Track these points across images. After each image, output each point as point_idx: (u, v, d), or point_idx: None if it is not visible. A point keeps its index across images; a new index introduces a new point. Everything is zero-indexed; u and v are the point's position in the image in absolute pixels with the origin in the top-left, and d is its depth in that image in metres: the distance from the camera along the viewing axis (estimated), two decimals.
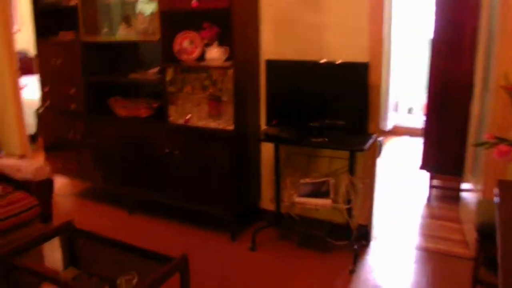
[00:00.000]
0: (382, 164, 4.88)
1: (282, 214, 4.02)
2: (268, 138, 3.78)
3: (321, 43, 3.75)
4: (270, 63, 3.77)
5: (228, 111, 3.92)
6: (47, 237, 3.32)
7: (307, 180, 3.81)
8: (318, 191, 3.74)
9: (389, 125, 7.34)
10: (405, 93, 7.92)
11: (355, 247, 3.60)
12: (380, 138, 4.71)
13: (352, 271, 3.52)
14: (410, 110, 7.96)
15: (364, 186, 3.74)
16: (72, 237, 3.36)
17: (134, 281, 2.70)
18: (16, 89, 5.67)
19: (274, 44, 3.97)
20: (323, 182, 3.74)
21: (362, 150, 3.40)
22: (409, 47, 7.56)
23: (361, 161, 3.74)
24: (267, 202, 4.28)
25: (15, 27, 7.97)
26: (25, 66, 7.53)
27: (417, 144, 6.68)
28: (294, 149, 3.85)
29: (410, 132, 7.48)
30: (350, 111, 3.53)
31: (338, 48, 3.68)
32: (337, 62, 3.52)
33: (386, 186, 5.13)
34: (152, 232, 4.28)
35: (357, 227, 3.76)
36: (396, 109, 7.81)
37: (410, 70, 7.73)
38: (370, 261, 3.71)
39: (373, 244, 3.93)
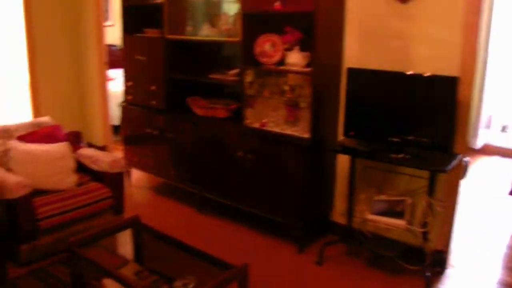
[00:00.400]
0: (467, 186, 4.56)
1: (353, 230, 3.84)
2: (345, 150, 3.61)
3: (407, 54, 3.53)
4: (352, 72, 3.60)
5: (305, 118, 3.80)
6: (113, 230, 3.38)
7: (382, 197, 3.61)
8: (392, 210, 3.53)
9: (478, 143, 6.88)
10: (500, 109, 7.38)
11: (428, 273, 3.36)
12: (466, 159, 4.39)
13: None
14: (504, 128, 7.40)
15: (444, 209, 3.48)
16: (137, 232, 3.39)
17: (191, 286, 2.65)
18: (103, 82, 5.90)
19: (357, 52, 3.80)
20: (399, 201, 3.52)
21: (444, 171, 3.16)
22: (509, 58, 7.02)
23: (442, 182, 3.48)
24: (338, 215, 4.12)
25: (109, 22, 8.28)
26: (116, 60, 7.79)
27: (509, 167, 6.22)
28: (371, 163, 3.66)
29: (502, 152, 6.94)
30: (434, 127, 3.29)
31: (426, 60, 3.45)
32: (424, 75, 3.29)
33: (469, 211, 4.78)
34: (218, 233, 4.26)
35: (432, 252, 3.51)
36: (488, 126, 7.30)
37: (507, 83, 7.19)
38: None
39: (448, 273, 3.65)
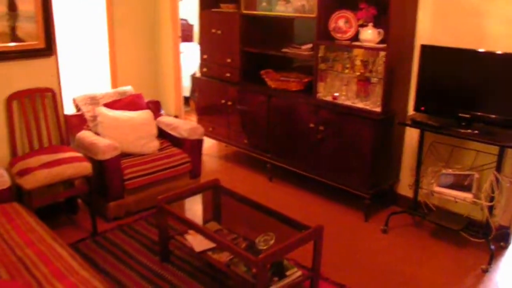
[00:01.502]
0: None
1: (418, 202, 3.99)
2: (415, 123, 3.73)
3: (480, 31, 3.60)
4: (425, 48, 3.70)
5: (376, 92, 3.94)
6: (196, 191, 3.66)
7: (450, 171, 3.72)
8: (459, 184, 3.64)
9: None
10: None
11: (492, 247, 3.48)
12: None
13: (485, 271, 3.42)
14: None
15: (511, 186, 3.57)
16: (217, 194, 3.66)
17: (272, 241, 2.88)
18: (177, 55, 6.17)
19: (430, 28, 3.88)
20: (467, 176, 3.63)
21: None
22: None
23: (511, 158, 3.56)
24: (404, 187, 4.26)
25: None
26: (185, 34, 8.08)
27: None
28: (439, 138, 3.77)
29: None
30: (505, 104, 3.37)
31: (500, 38, 3.50)
32: (497, 52, 3.36)
33: None
34: (289, 200, 4.48)
35: (497, 227, 3.61)
36: None
37: None
38: (506, 264, 3.56)
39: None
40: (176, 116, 6.38)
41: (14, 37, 3.72)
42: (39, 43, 3.85)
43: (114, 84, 6.04)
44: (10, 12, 3.67)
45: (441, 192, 3.70)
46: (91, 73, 6.22)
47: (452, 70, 3.60)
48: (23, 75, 3.82)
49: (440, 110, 3.67)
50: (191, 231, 3.30)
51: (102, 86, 5.99)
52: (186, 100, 7.30)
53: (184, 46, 7.83)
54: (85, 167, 3.67)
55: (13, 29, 3.71)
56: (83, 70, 6.20)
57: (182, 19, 8.48)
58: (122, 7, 5.87)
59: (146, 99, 4.73)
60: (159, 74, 6.48)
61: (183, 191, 3.55)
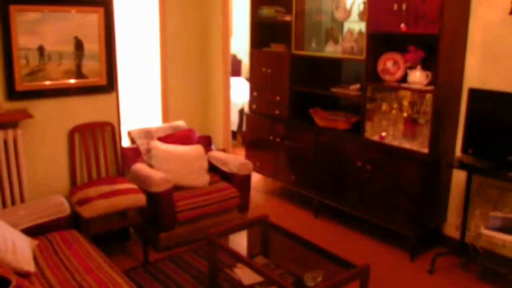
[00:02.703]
0: None
1: (465, 244, 3.98)
2: (463, 166, 3.77)
3: None
4: (474, 92, 3.76)
5: (424, 133, 4.00)
6: (245, 226, 3.77)
7: (498, 213, 3.72)
8: (508, 227, 3.63)
9: None
10: None
11: None
12: None
13: None
14: None
15: None
16: (265, 229, 3.76)
17: (319, 278, 2.96)
18: (227, 90, 6.38)
19: (478, 72, 3.94)
20: None
21: None
22: None
23: None
24: (450, 228, 4.26)
25: (230, 32, 8.82)
26: (233, 69, 8.31)
27: None
28: (487, 180, 3.79)
29: None
30: None
31: None
32: None
33: None
34: (334, 237, 4.53)
35: None
36: None
37: None
38: None
39: None
40: (223, 150, 6.56)
41: (79, 74, 3.98)
42: (101, 80, 4.10)
43: (166, 118, 6.28)
44: (77, 51, 3.94)
45: (489, 235, 3.69)
46: (143, 107, 6.50)
47: (501, 113, 3.63)
48: (85, 109, 4.07)
49: (488, 153, 3.70)
50: (239, 265, 3.41)
51: (154, 119, 6.25)
52: (233, 134, 7.48)
53: (232, 81, 8.07)
54: (141, 199, 3.85)
55: (79, 66, 3.97)
56: (136, 104, 6.49)
57: (231, 54, 8.77)
58: (175, 42, 6.15)
59: (197, 134, 4.91)
60: (208, 108, 6.70)
61: (233, 225, 3.67)
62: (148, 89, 6.46)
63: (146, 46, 6.32)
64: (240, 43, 8.22)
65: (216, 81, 6.53)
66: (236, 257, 3.29)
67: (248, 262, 3.18)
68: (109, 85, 4.15)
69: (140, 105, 6.53)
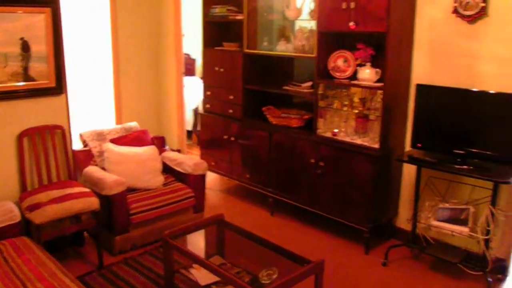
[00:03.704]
0: None
1: (417, 235, 4.09)
2: (412, 160, 3.87)
3: (473, 71, 3.77)
4: (421, 88, 3.87)
5: (375, 129, 4.08)
6: (200, 226, 3.76)
7: (446, 205, 3.85)
8: (456, 218, 3.76)
9: None
10: None
11: (489, 279, 3.56)
12: None
13: None
14: None
15: (506, 219, 3.68)
16: (221, 228, 3.76)
17: (275, 276, 2.98)
18: (180, 90, 6.34)
19: (425, 68, 4.06)
20: (463, 210, 3.75)
21: (507, 182, 3.38)
22: None
23: (505, 193, 3.69)
24: (403, 221, 4.37)
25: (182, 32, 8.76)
26: (187, 68, 8.27)
27: None
28: (436, 173, 3.90)
29: None
30: (498, 141, 3.52)
31: (491, 78, 3.67)
32: (490, 92, 3.53)
33: None
34: (290, 234, 4.57)
35: (493, 259, 3.71)
36: None
37: None
38: None
39: (510, 280, 3.83)
40: (178, 150, 6.51)
41: (27, 77, 3.89)
42: (50, 82, 4.01)
43: (119, 119, 6.19)
44: (24, 53, 3.85)
45: (439, 226, 3.81)
46: (96, 108, 6.38)
47: (447, 108, 3.76)
48: (34, 113, 3.98)
49: (436, 146, 3.82)
50: (195, 265, 3.40)
51: (107, 121, 6.15)
52: (188, 133, 7.44)
53: (186, 80, 8.01)
54: (93, 202, 3.79)
55: (25, 69, 3.88)
56: (88, 106, 6.36)
57: (184, 54, 8.70)
58: (127, 42, 6.06)
59: (151, 135, 4.87)
60: (162, 109, 6.64)
61: (188, 225, 3.65)
62: (100, 90, 6.35)
63: (98, 47, 6.20)
64: (193, 43, 8.17)
65: (169, 81, 6.47)
66: (192, 258, 3.28)
67: (203, 262, 3.18)
68: (58, 87, 4.07)
69: (93, 106, 6.40)
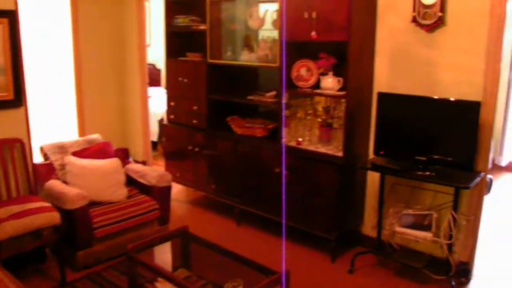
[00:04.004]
0: (491, 202, 4.80)
1: (382, 242, 4.12)
2: (375, 167, 3.91)
3: (433, 79, 3.84)
4: (382, 96, 3.92)
5: (338, 137, 4.11)
6: (165, 239, 3.71)
7: (410, 211, 3.89)
8: (419, 224, 3.80)
9: (504, 161, 7.11)
10: None
11: (453, 283, 3.61)
12: (490, 176, 4.65)
13: None
14: None
15: (468, 223, 3.75)
16: (186, 241, 3.72)
17: (240, 287, 2.95)
18: (145, 101, 6.28)
19: (386, 77, 4.11)
20: (426, 215, 3.80)
21: (467, 187, 3.44)
22: None
23: (466, 197, 3.76)
24: (368, 228, 4.40)
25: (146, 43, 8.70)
26: (152, 78, 8.20)
27: None
28: (399, 180, 3.95)
29: None
30: (458, 147, 3.59)
31: (450, 85, 3.75)
32: (450, 99, 3.59)
33: (493, 225, 5.00)
34: (256, 244, 4.55)
35: (457, 263, 3.77)
36: None
37: None
38: None
39: (473, 283, 3.90)
40: (144, 162, 6.44)
41: None
42: (8, 95, 3.91)
43: (82, 132, 6.10)
44: None
45: (403, 232, 3.85)
46: (59, 121, 6.26)
47: (408, 116, 3.81)
48: None
49: (398, 153, 3.87)
50: (160, 279, 3.35)
51: (71, 134, 6.04)
52: (154, 144, 7.37)
53: (151, 91, 7.94)
54: (54, 217, 3.69)
55: None
56: (51, 118, 6.24)
57: (149, 64, 8.60)
58: (89, 53, 5.99)
59: (114, 147, 4.79)
60: (127, 120, 6.56)
61: (152, 238, 3.60)
62: (63, 102, 6.23)
63: (60, 58, 6.09)
64: (158, 53, 8.10)
65: (133, 92, 6.41)
66: (156, 272, 3.23)
67: (168, 276, 3.13)
68: (17, 99, 3.97)
69: (56, 119, 6.28)
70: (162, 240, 3.65)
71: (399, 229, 3.87)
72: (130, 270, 3.38)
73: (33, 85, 5.81)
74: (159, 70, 8.92)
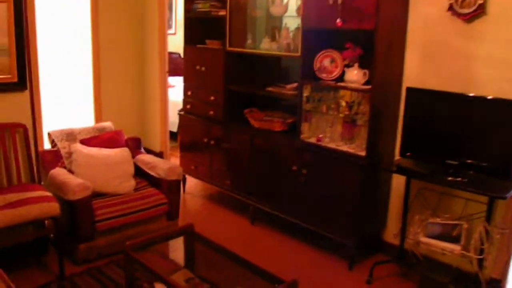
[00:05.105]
0: None
1: (405, 251, 3.78)
2: (401, 170, 3.57)
3: (469, 75, 3.47)
4: (411, 91, 3.56)
5: (362, 135, 3.78)
6: (168, 237, 3.46)
7: (437, 220, 3.53)
8: (447, 234, 3.44)
9: None
10: None
11: None
12: None
13: None
14: None
15: (502, 237, 3.38)
16: (190, 240, 3.46)
17: None
18: (164, 90, 6.06)
19: (417, 71, 3.75)
20: (455, 225, 3.44)
21: (503, 198, 3.07)
22: None
23: (501, 208, 3.39)
24: (391, 234, 4.06)
25: (171, 31, 8.50)
26: (177, 67, 7.98)
27: None
28: (427, 184, 3.60)
29: None
30: (495, 152, 3.21)
31: (488, 82, 3.37)
32: (488, 98, 3.22)
33: None
34: (270, 245, 4.28)
35: (487, 280, 3.41)
36: None
37: None
38: None
39: None
40: (161, 152, 6.24)
41: None
42: (11, 77, 3.71)
43: (98, 118, 5.93)
44: None
45: (428, 243, 3.49)
46: (75, 107, 6.09)
47: (440, 114, 3.44)
48: None
49: (427, 156, 3.51)
50: (157, 282, 3.09)
51: (86, 120, 5.86)
52: (175, 135, 7.14)
53: (175, 80, 7.74)
54: (52, 208, 3.48)
55: None
56: (68, 104, 6.06)
57: (174, 53, 8.43)
58: (108, 39, 5.80)
59: (127, 136, 4.57)
60: (145, 109, 6.38)
61: (153, 236, 3.36)
62: (80, 88, 6.05)
63: (79, 43, 5.91)
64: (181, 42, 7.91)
65: (153, 80, 6.20)
66: (153, 274, 2.97)
67: (165, 280, 2.87)
68: (21, 82, 3.76)
69: (71, 105, 6.10)
70: (164, 238, 3.40)
71: (424, 239, 3.51)
72: (127, 270, 3.13)
73: (51, 71, 5.67)
74: (182, 59, 8.69)
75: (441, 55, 3.60)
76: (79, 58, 5.93)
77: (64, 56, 5.93)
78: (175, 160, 6.13)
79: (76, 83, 6.03)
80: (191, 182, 5.48)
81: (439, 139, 3.44)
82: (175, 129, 7.17)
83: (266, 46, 4.45)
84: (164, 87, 6.11)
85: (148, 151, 6.23)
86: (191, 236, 3.45)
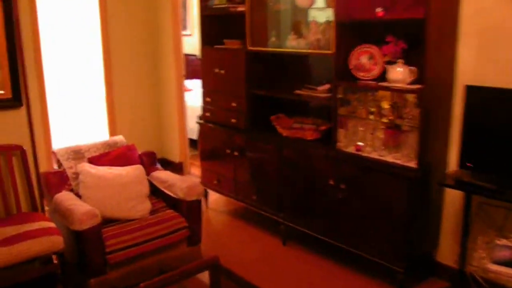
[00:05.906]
0: None
1: (465, 275, 3.23)
2: (460, 184, 3.01)
3: None
4: (472, 90, 3.00)
5: (409, 143, 3.25)
6: (189, 274, 2.97)
7: (505, 242, 2.97)
8: None
9: None
10: None
11: None
12: None
13: None
14: None
15: None
16: (215, 275, 2.97)
17: None
18: (181, 95, 5.62)
19: (473, 65, 3.19)
20: None
21: None
22: None
23: None
24: (444, 254, 3.52)
25: (187, 32, 8.05)
26: (194, 69, 7.54)
27: None
28: (490, 200, 3.04)
29: None
30: None
31: None
32: None
33: None
34: (305, 269, 3.79)
35: None
36: None
37: None
38: None
39: None
40: (180, 163, 5.80)
41: None
42: (5, 93, 3.27)
43: (113, 131, 5.54)
44: None
45: (498, 272, 2.93)
46: (87, 121, 5.67)
47: (507, 117, 2.88)
48: None
49: (492, 167, 2.94)
50: None
51: (100, 134, 5.44)
52: (195, 142, 6.68)
53: (193, 84, 7.29)
54: (55, 242, 3.05)
55: None
56: (78, 119, 5.65)
57: (192, 55, 7.98)
58: (119, 44, 5.40)
59: (141, 149, 4.12)
60: (162, 117, 5.97)
61: (172, 275, 2.86)
62: (91, 99, 5.63)
63: (88, 52, 5.49)
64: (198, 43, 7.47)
65: (169, 85, 5.78)
66: None
67: None
68: (16, 98, 3.32)
69: (82, 118, 5.68)
70: (185, 275, 2.90)
71: (492, 266, 2.95)
72: None
73: (59, 83, 5.27)
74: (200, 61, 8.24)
75: (502, 46, 3.03)
76: (88, 67, 5.52)
77: (72, 66, 5.52)
78: (195, 170, 5.68)
79: (86, 94, 5.63)
80: (214, 195, 5.00)
81: (507, 147, 2.87)
82: (194, 136, 6.71)
83: (292, 44, 3.94)
84: (181, 92, 5.67)
85: (167, 162, 5.81)
86: (216, 270, 2.96)
